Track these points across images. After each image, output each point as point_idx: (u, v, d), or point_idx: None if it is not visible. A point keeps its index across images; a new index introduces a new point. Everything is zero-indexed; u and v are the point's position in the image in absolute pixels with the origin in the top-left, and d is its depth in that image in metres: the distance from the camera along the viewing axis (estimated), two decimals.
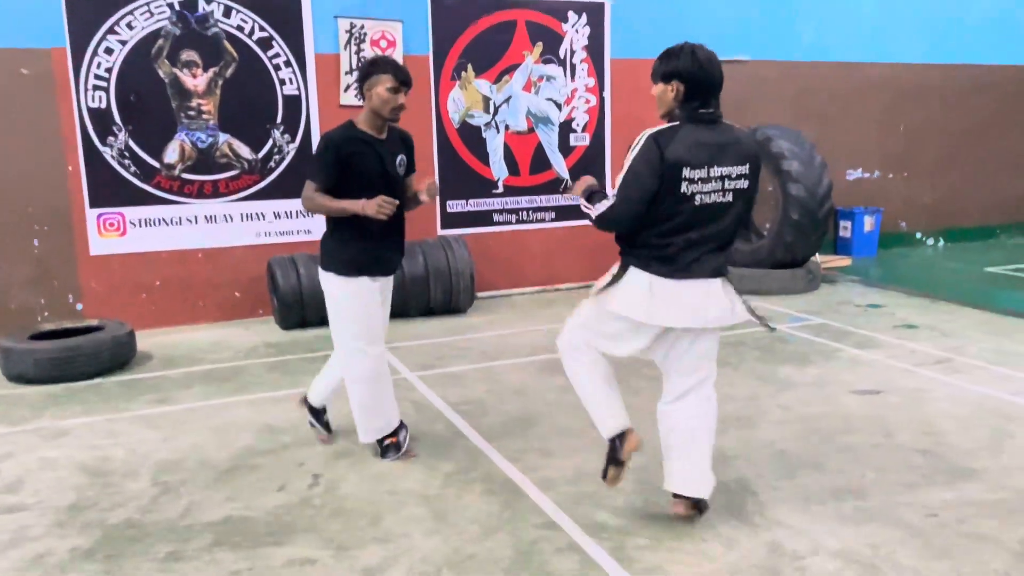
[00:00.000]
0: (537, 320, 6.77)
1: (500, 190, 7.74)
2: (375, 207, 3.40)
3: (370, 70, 3.53)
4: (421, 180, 3.78)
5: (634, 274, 2.91)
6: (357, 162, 3.52)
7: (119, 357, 5.42)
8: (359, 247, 3.59)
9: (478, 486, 3.54)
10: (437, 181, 5.31)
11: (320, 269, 3.67)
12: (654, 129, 2.82)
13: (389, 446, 3.81)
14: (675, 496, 3.10)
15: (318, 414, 4.10)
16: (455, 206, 7.60)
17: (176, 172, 6.62)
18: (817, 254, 8.45)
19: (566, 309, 7.46)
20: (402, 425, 3.88)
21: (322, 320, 6.54)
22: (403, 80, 3.51)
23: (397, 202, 3.50)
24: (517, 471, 3.68)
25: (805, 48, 9.00)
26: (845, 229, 9.33)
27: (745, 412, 4.39)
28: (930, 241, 10.21)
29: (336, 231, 3.62)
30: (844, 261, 8.93)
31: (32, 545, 3.09)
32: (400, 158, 3.69)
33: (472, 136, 7.58)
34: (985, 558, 2.85)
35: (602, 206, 2.88)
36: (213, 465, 3.82)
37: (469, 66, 7.46)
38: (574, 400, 4.60)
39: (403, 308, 6.77)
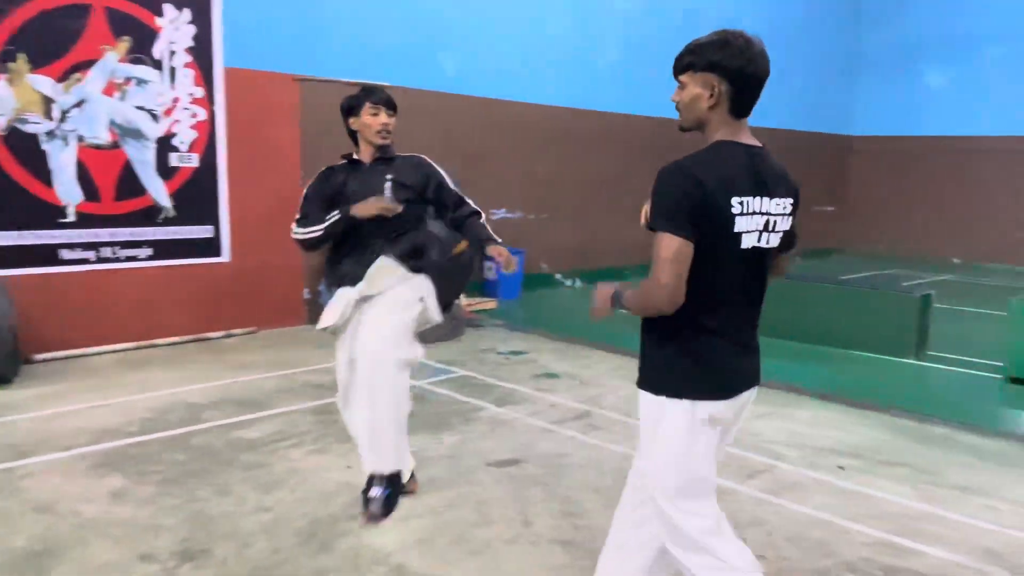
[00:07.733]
0: (117, 390, 5.15)
1: (71, 219, 5.97)
2: None
3: None
4: None
5: None
6: None
7: None
8: None
9: None
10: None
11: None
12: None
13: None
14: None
15: None
16: (3, 238, 5.67)
17: None
18: (463, 297, 7.96)
19: (165, 370, 5.97)
20: None
21: None
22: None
23: None
24: None
25: (450, 80, 8.58)
26: (490, 271, 9.01)
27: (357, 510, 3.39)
28: (568, 282, 10.40)
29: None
30: (490, 304, 8.58)
31: None
32: None
33: (26, 147, 5.74)
34: None
35: None
36: None
37: (21, 56, 5.66)
38: (126, 516, 3.26)
39: None
